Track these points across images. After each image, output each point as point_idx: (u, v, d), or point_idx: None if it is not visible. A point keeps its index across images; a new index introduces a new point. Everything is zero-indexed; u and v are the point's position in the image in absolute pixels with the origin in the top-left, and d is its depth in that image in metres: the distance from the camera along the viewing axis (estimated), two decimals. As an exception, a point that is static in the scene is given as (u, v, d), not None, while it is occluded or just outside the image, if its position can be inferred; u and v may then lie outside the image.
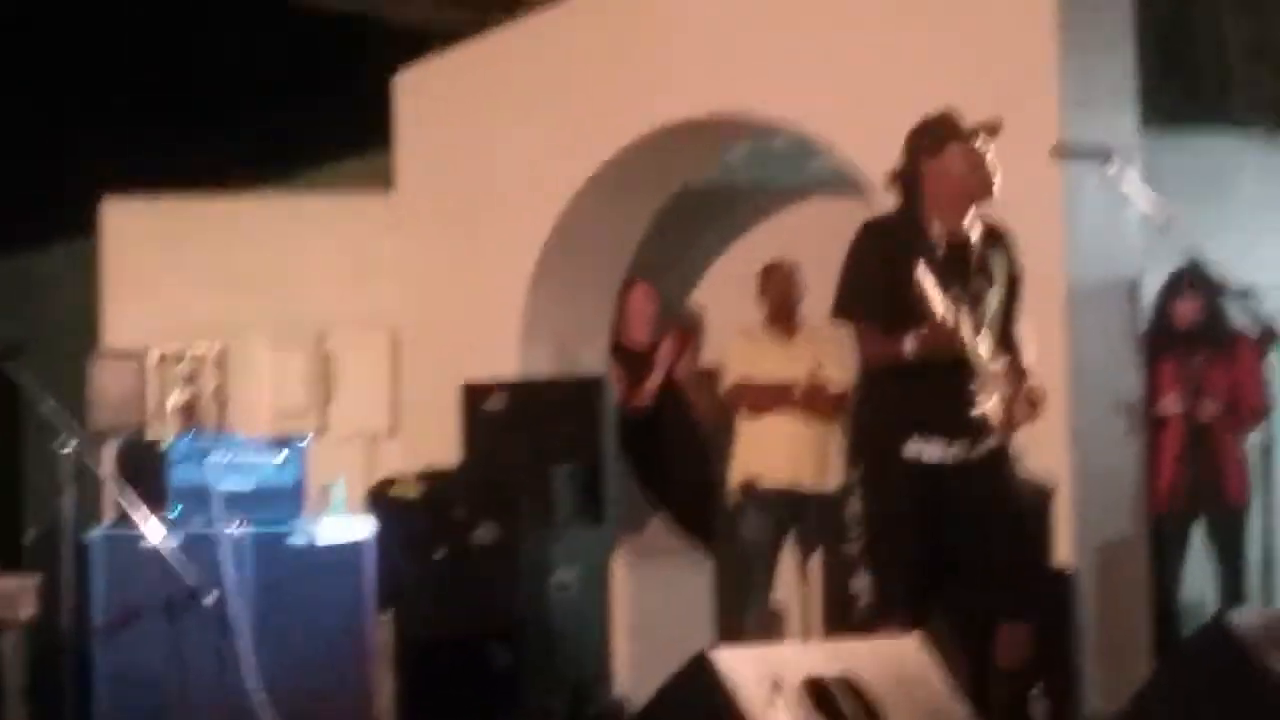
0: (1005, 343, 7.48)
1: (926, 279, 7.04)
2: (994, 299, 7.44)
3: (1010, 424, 7.33)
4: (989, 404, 7.24)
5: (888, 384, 7.41)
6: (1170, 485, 10.11)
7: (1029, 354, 7.54)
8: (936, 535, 7.31)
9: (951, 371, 7.21)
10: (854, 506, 7.50)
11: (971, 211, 7.40)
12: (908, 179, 7.44)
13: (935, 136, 7.41)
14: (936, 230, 7.35)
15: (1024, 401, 7.34)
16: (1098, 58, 10.07)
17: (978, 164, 7.33)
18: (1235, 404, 10.03)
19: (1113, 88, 10.12)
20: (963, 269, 7.35)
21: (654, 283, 12.24)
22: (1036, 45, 9.81)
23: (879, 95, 9.74)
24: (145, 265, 12.44)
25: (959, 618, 7.36)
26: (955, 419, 7.26)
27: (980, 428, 7.29)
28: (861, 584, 7.40)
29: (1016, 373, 7.38)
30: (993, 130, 7.34)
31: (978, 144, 7.34)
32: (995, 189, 7.37)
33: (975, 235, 7.44)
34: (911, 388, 7.30)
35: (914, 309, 7.11)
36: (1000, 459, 7.46)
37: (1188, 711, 6.74)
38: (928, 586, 7.24)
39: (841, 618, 9.17)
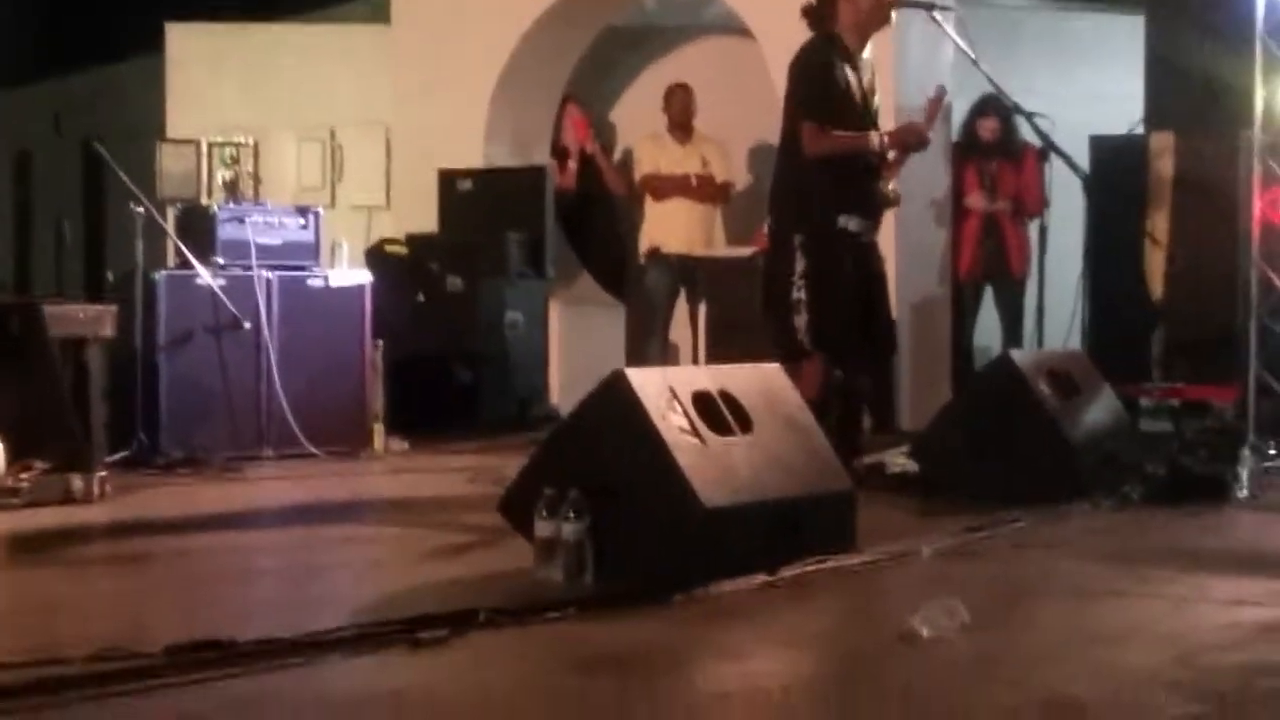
0: None
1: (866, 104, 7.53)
2: (876, 108, 7.79)
3: (892, 205, 7.86)
4: (894, 187, 7.73)
5: (820, 172, 7.47)
6: (969, 260, 10.68)
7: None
8: (861, 289, 7.57)
9: (869, 164, 7.55)
10: (798, 265, 7.50)
11: (863, 42, 7.62)
12: (820, 13, 7.56)
13: None
14: (854, 44, 7.59)
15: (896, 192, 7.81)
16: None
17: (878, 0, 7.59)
18: (1020, 200, 10.51)
19: (934, -48, 10.60)
20: (869, 91, 7.68)
21: (583, 99, 12.40)
22: None
23: None
24: (198, 76, 12.63)
25: (878, 356, 8.00)
26: (871, 201, 7.60)
27: (879, 209, 7.70)
28: (802, 321, 7.44)
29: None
30: None
31: None
32: (891, 20, 7.78)
33: (870, 64, 7.73)
34: (841, 175, 7.46)
35: (846, 111, 7.44)
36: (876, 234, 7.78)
37: (977, 424, 7.26)
38: (856, 329, 7.45)
39: (721, 352, 9.62)
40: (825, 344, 7.37)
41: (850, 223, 7.52)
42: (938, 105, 7.71)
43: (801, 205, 7.67)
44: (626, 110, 12.93)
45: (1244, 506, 6.92)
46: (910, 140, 7.73)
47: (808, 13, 7.66)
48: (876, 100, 7.82)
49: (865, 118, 7.64)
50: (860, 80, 7.62)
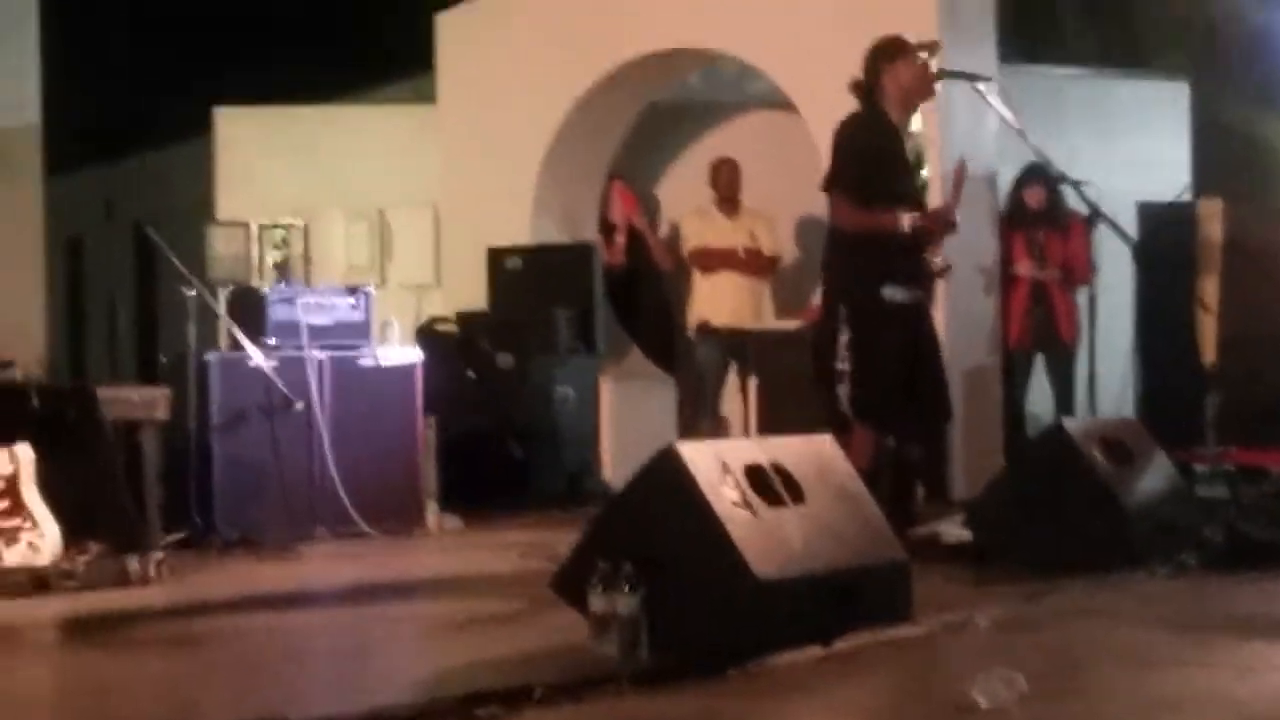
0: None
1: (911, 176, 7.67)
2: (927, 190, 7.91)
3: (941, 277, 7.93)
4: (940, 261, 7.71)
5: (863, 244, 7.57)
6: (1019, 328, 10.60)
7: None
8: (909, 358, 7.62)
9: (916, 231, 7.53)
10: (843, 336, 7.58)
11: (910, 114, 7.74)
12: (867, 86, 7.66)
13: (891, 52, 7.66)
14: (902, 124, 7.71)
15: (944, 265, 7.82)
16: (967, 6, 10.37)
17: (922, 73, 7.68)
18: (1069, 269, 10.40)
19: (978, 29, 10.39)
20: (918, 163, 7.82)
21: (628, 176, 12.52)
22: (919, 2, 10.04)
23: (802, 32, 10.10)
24: (247, 158, 12.68)
25: (926, 427, 8.03)
26: (916, 270, 7.62)
27: (929, 277, 7.77)
28: (845, 391, 7.56)
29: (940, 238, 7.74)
30: (933, 49, 7.75)
31: (922, 57, 7.69)
32: (936, 92, 7.87)
33: (921, 135, 7.89)
34: (884, 246, 7.53)
35: (885, 189, 7.50)
36: (925, 307, 7.85)
37: (1031, 492, 7.20)
38: (900, 397, 7.51)
39: (772, 424, 9.60)
40: (869, 413, 7.43)
41: (896, 294, 7.57)
42: (960, 176, 7.71)
43: (846, 277, 7.74)
44: (672, 185, 12.98)
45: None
46: (938, 225, 7.68)
47: (855, 88, 7.75)
48: (925, 172, 7.92)
49: (909, 190, 7.69)
50: (905, 152, 7.70)
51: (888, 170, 7.60)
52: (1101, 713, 4.32)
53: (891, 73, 7.68)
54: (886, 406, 7.49)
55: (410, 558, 8.27)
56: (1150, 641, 5.32)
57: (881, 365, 7.57)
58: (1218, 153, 10.46)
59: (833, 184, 7.70)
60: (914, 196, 7.72)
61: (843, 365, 7.60)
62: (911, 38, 7.82)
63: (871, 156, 7.63)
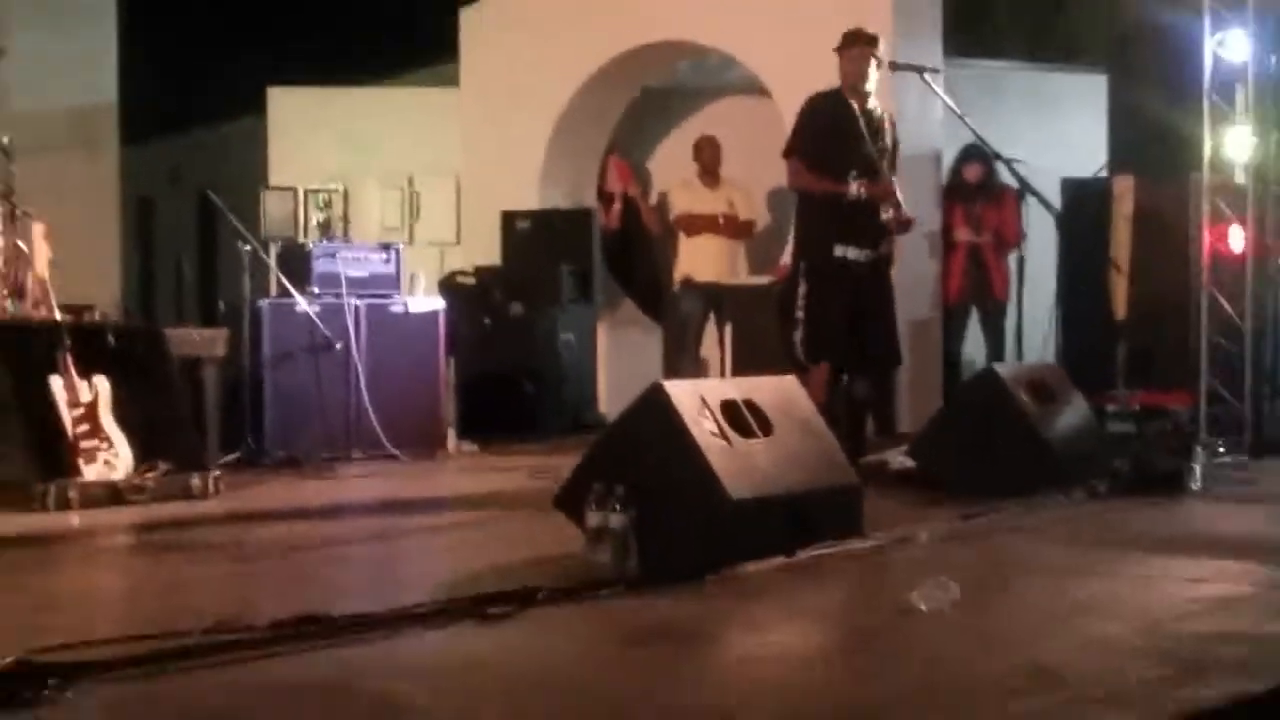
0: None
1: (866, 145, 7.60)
2: (886, 155, 7.79)
3: (894, 233, 7.86)
4: (890, 216, 7.68)
5: (821, 208, 7.68)
6: (957, 286, 10.69)
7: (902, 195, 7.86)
8: (856, 314, 7.64)
9: (866, 201, 7.60)
10: (800, 288, 7.73)
11: (863, 89, 7.71)
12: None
13: (841, 43, 7.74)
14: (857, 105, 7.70)
15: (907, 219, 7.86)
16: (918, 5, 10.42)
17: (855, 63, 7.68)
18: (1001, 235, 10.46)
19: (926, 28, 10.45)
20: (871, 129, 7.71)
21: (623, 151, 12.54)
22: (876, 1, 10.00)
23: (776, 27, 10.09)
24: (296, 132, 12.69)
25: (871, 369, 7.93)
26: (865, 233, 7.62)
27: (878, 239, 7.70)
28: (799, 336, 7.68)
29: (897, 204, 7.76)
30: (871, 41, 7.72)
31: (864, 49, 7.68)
32: (867, 79, 7.71)
33: (879, 113, 7.82)
34: (838, 210, 7.60)
35: (844, 159, 7.56)
36: (886, 260, 7.89)
37: (965, 427, 7.21)
38: (850, 344, 7.58)
39: (745, 367, 9.67)
40: (819, 355, 7.54)
41: (848, 252, 7.63)
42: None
43: (806, 237, 7.89)
44: (662, 160, 12.95)
45: (1197, 497, 6.88)
46: (880, 193, 7.70)
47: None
48: (887, 142, 7.86)
49: (860, 158, 7.67)
50: (864, 127, 7.70)
51: (839, 140, 7.65)
52: (1025, 616, 4.31)
53: (841, 60, 7.79)
54: (834, 350, 7.57)
55: (432, 478, 8.29)
56: (1067, 555, 5.32)
57: (830, 314, 7.64)
58: (1130, 136, 10.43)
59: (789, 152, 7.85)
60: (866, 164, 7.68)
61: (799, 313, 7.71)
62: (867, 30, 7.84)
63: (822, 127, 7.73)
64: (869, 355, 7.80)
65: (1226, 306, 8.65)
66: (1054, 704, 3.17)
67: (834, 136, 7.67)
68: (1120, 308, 10.00)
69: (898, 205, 7.79)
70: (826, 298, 7.67)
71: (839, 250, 7.64)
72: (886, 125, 7.93)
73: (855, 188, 7.58)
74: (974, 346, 11.00)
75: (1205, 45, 8.56)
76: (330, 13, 13.61)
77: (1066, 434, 7.22)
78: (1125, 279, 9.95)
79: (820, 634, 4.31)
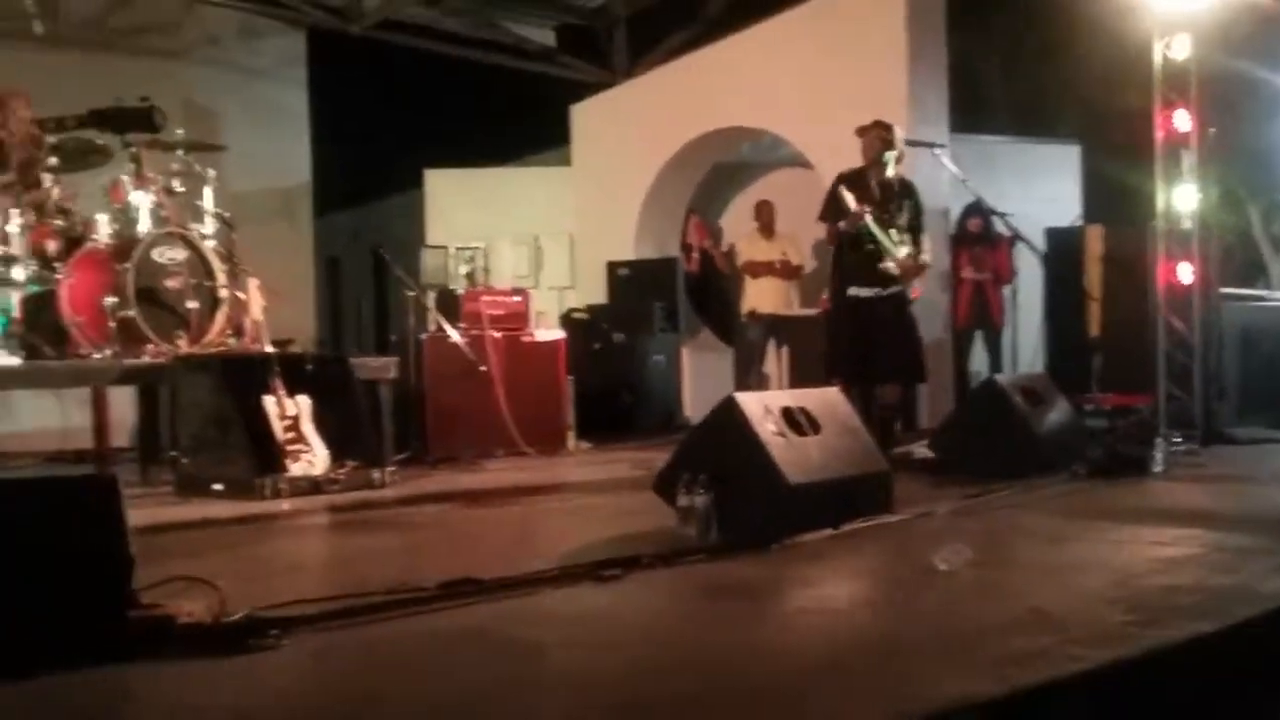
0: (913, 240, 7.83)
1: (847, 195, 7.58)
2: (902, 218, 7.78)
3: (908, 278, 7.76)
4: (891, 266, 7.68)
5: (842, 256, 7.81)
6: (964, 314, 10.70)
7: (926, 248, 7.92)
8: (865, 341, 7.71)
9: (872, 251, 7.65)
10: (828, 324, 8.07)
11: (881, 161, 7.75)
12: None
13: (864, 128, 7.85)
14: (873, 177, 7.77)
15: (916, 269, 7.83)
16: (928, 94, 10.40)
17: (869, 145, 7.79)
18: (998, 273, 10.52)
19: (934, 111, 10.42)
20: (885, 198, 7.74)
21: (700, 212, 12.65)
22: (896, 89, 10.13)
23: (817, 116, 10.08)
24: (447, 203, 12.88)
25: (884, 380, 7.86)
26: (873, 275, 7.68)
27: (890, 279, 7.71)
28: (826, 360, 8.02)
29: (915, 255, 7.79)
30: (886, 127, 7.82)
31: (879, 133, 7.78)
32: (874, 155, 7.77)
33: (892, 178, 7.82)
34: (852, 257, 7.72)
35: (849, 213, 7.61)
36: (902, 297, 7.83)
37: (973, 424, 7.24)
38: (856, 363, 7.66)
39: (799, 381, 9.83)
40: (835, 372, 7.60)
41: (860, 290, 7.73)
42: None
43: (833, 280, 8.05)
44: (729, 219, 13.05)
45: (1158, 478, 6.82)
46: (852, 225, 7.74)
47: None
48: (903, 205, 7.86)
49: (875, 213, 7.70)
50: (876, 184, 7.78)
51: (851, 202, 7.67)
52: (1021, 573, 4.30)
53: (862, 142, 7.89)
54: (842, 368, 7.62)
55: (556, 469, 8.28)
56: (1054, 525, 5.28)
57: (841, 341, 7.83)
58: (1099, 194, 10.47)
59: (821, 217, 7.99)
60: (885, 220, 7.71)
61: (828, 341, 8.01)
62: (883, 120, 7.94)
63: (837, 195, 7.76)
64: (883, 371, 7.75)
65: (1179, 325, 8.59)
66: (1048, 643, 3.15)
67: (847, 200, 7.64)
68: (1094, 328, 9.96)
69: (910, 256, 7.77)
70: (839, 327, 7.85)
71: (851, 290, 7.73)
72: (902, 191, 7.90)
73: (842, 224, 7.67)
74: (978, 361, 11.00)
75: (1156, 120, 8.52)
76: (471, 112, 13.73)
77: (1053, 429, 7.16)
78: (1098, 305, 9.95)
79: (860, 589, 4.30)
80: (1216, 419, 8.74)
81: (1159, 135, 8.52)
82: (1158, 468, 6.95)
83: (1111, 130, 10.24)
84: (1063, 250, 10.06)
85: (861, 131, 7.84)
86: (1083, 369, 9.68)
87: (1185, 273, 8.59)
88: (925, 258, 7.94)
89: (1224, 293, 9.21)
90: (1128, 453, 7.11)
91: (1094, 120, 11.17)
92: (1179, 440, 8.01)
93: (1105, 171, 10.34)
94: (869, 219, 7.59)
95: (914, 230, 7.88)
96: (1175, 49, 8.39)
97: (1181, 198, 8.58)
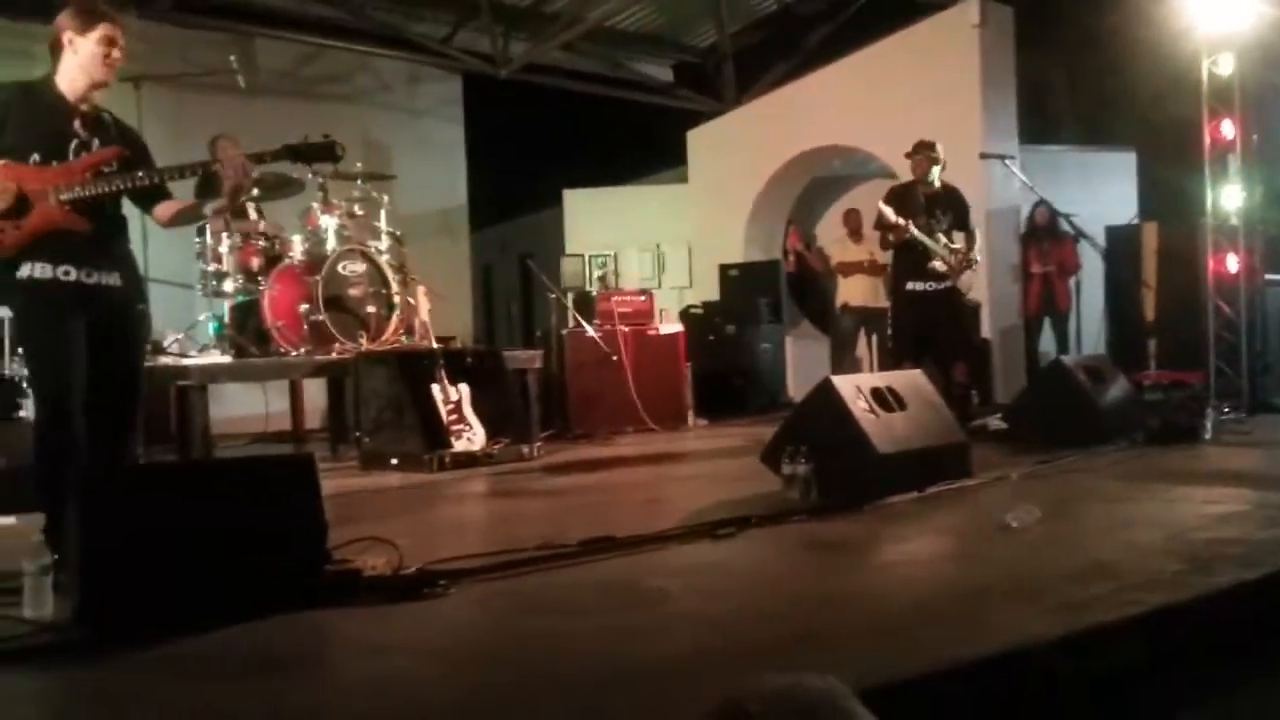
0: (966, 238, 7.61)
1: (887, 210, 7.42)
2: (945, 222, 7.58)
3: (956, 273, 7.54)
4: (939, 265, 7.49)
5: (899, 256, 7.68)
6: (1034, 302, 10.46)
7: (974, 245, 7.65)
8: (922, 326, 7.54)
9: (922, 253, 7.47)
10: (891, 314, 7.93)
11: (928, 179, 7.56)
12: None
13: (913, 149, 7.68)
14: (921, 188, 7.59)
15: (966, 264, 7.58)
16: (999, 111, 10.28)
17: (920, 163, 7.60)
18: (1063, 266, 10.22)
19: (1005, 126, 10.32)
20: (931, 205, 7.55)
21: (797, 221, 12.51)
22: (971, 108, 10.07)
23: (902, 133, 9.58)
24: (583, 218, 12.90)
25: (943, 361, 7.48)
26: (925, 272, 7.51)
27: (939, 275, 7.52)
28: (891, 347, 8.01)
29: (964, 252, 7.57)
30: (931, 147, 7.62)
31: (925, 151, 7.62)
32: (928, 172, 7.57)
33: (938, 188, 7.61)
34: (907, 258, 7.57)
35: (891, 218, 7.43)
36: (953, 291, 7.61)
37: (1042, 399, 7.10)
38: (918, 349, 7.38)
39: (886, 363, 9.43)
40: (900, 354, 7.48)
41: (916, 285, 7.58)
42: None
43: (892, 277, 8.01)
44: (824, 226, 12.88)
45: (1208, 445, 6.67)
46: (898, 235, 7.54)
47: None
48: (947, 211, 7.68)
49: (926, 218, 7.55)
50: (923, 196, 7.61)
51: (903, 214, 7.49)
52: (1084, 529, 4.22)
53: (911, 160, 7.74)
54: (902, 353, 7.45)
55: (679, 443, 8.26)
56: (1114, 487, 5.18)
57: (900, 329, 7.73)
58: (1154, 195, 10.21)
59: (874, 226, 7.81)
60: (930, 225, 7.56)
61: (892, 327, 7.94)
62: (927, 140, 7.78)
63: (889, 203, 7.60)
64: (938, 353, 7.51)
65: (1226, 309, 8.41)
66: (1108, 590, 3.12)
67: (899, 212, 7.49)
68: (1150, 313, 9.70)
69: (957, 254, 7.60)
70: (900, 318, 7.75)
71: (909, 285, 7.61)
72: (946, 198, 7.71)
73: (891, 235, 7.51)
74: (1046, 344, 10.71)
75: (1204, 129, 8.34)
76: (602, 139, 13.76)
77: (1113, 402, 7.02)
78: (1153, 293, 9.69)
79: (941, 543, 4.26)
80: (1261, 391, 8.51)
81: (1207, 142, 8.37)
82: (1207, 435, 6.80)
83: (1164, 138, 9.93)
84: (1121, 245, 9.81)
85: (912, 152, 7.71)
86: (1140, 350, 9.42)
87: (1232, 263, 8.41)
88: (975, 256, 7.73)
89: (1268, 279, 8.96)
90: (1180, 422, 6.94)
91: (1148, 129, 10.84)
92: (1227, 411, 7.82)
93: (1159, 175, 10.03)
94: (912, 228, 7.43)
95: (964, 230, 7.69)
96: (1221, 65, 8.27)
97: (1228, 197, 8.44)
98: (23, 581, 3.15)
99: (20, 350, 6.19)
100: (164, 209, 4.07)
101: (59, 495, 3.29)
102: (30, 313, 3.80)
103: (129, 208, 4.11)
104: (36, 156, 3.78)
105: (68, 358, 3.72)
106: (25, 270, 3.74)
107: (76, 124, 3.86)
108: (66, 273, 3.77)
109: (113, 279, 3.88)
